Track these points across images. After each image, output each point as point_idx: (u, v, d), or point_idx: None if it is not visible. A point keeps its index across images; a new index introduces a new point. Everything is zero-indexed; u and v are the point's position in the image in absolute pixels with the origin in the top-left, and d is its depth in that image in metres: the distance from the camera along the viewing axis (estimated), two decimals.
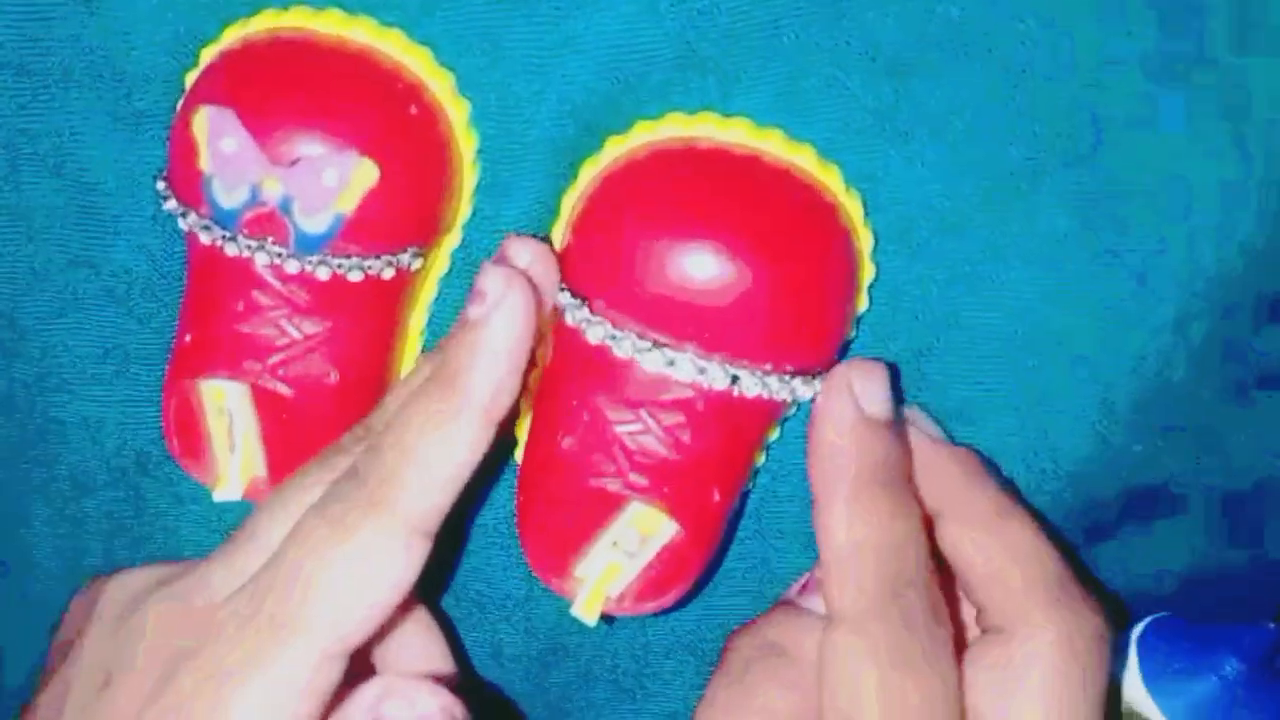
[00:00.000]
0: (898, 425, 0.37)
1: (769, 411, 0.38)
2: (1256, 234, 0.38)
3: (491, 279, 0.34)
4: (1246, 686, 0.37)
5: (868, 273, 0.39)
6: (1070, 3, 0.37)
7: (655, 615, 0.42)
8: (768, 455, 0.42)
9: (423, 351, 0.42)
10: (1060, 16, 0.37)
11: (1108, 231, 0.39)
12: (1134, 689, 0.39)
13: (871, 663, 0.34)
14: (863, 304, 0.40)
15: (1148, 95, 0.37)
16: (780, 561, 0.44)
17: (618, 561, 0.39)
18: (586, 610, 0.39)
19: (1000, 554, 0.36)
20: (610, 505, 0.38)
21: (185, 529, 0.46)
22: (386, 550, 0.33)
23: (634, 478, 0.37)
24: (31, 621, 0.47)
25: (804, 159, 0.37)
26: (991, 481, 0.37)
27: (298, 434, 0.39)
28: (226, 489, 0.40)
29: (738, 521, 0.43)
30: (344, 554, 0.33)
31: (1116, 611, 0.43)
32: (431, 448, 0.33)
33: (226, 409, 0.39)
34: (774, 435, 0.41)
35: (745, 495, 0.43)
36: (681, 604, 0.41)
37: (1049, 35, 0.37)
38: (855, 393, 0.36)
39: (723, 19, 0.38)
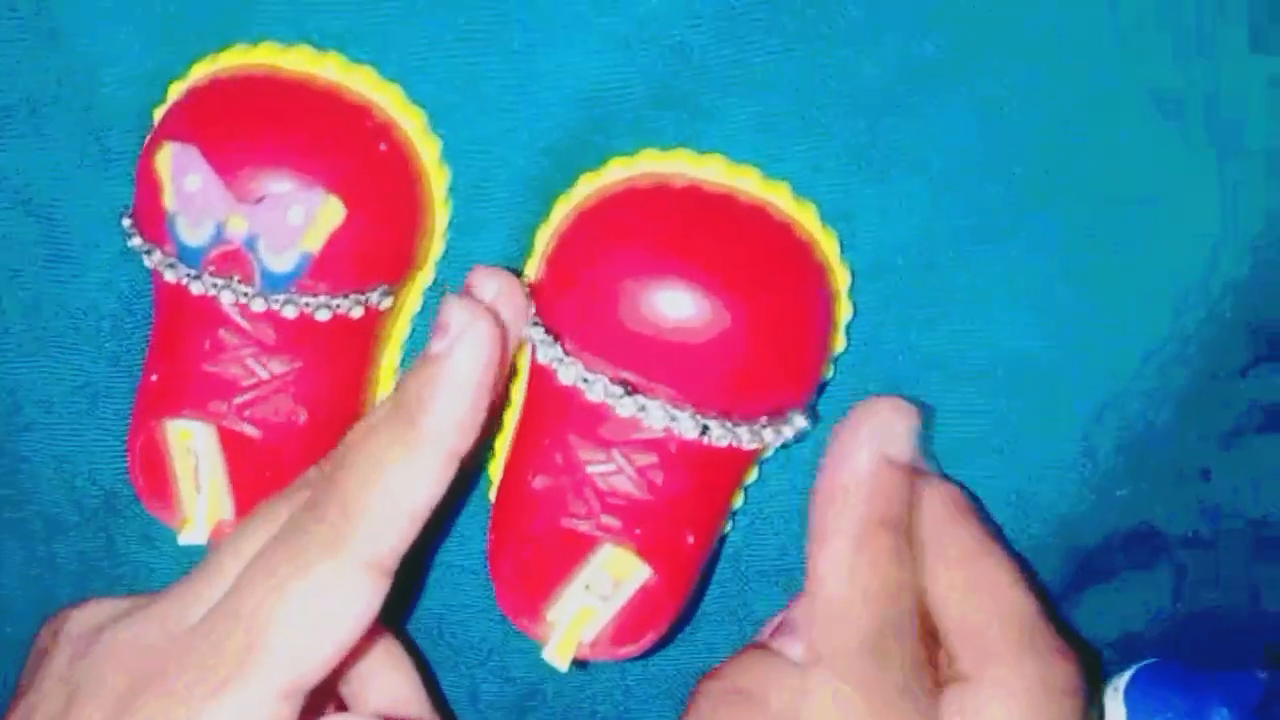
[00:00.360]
0: (911, 465, 0.36)
1: (743, 458, 0.38)
2: (1243, 274, 0.38)
3: (455, 311, 0.34)
4: None
5: (845, 311, 0.39)
6: (1048, 39, 0.37)
7: (633, 660, 0.41)
8: (746, 497, 0.41)
9: None
10: (1038, 53, 0.37)
11: (1090, 271, 0.38)
12: None
13: (854, 707, 0.33)
14: (840, 344, 0.39)
15: (1128, 132, 0.37)
16: (761, 604, 0.43)
17: (591, 605, 0.38)
18: (559, 655, 0.38)
19: (973, 596, 0.35)
20: (582, 547, 0.38)
21: (158, 570, 0.45)
22: (344, 587, 0.32)
23: (605, 519, 0.37)
24: (3, 662, 0.46)
25: (779, 196, 0.37)
26: (974, 519, 0.37)
27: (266, 476, 0.38)
28: (192, 532, 0.39)
29: (715, 565, 0.43)
30: (300, 590, 0.32)
31: (1097, 659, 0.42)
32: (391, 482, 0.33)
33: (193, 450, 0.38)
34: (752, 477, 0.40)
35: (723, 540, 0.42)
36: (657, 649, 0.40)
37: (1027, 72, 0.37)
38: (877, 435, 0.36)
39: (696, 56, 0.37)
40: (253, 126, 0.36)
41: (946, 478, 0.38)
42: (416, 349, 0.41)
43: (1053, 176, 0.38)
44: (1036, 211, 0.38)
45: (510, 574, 0.39)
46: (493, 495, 0.41)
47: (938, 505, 0.36)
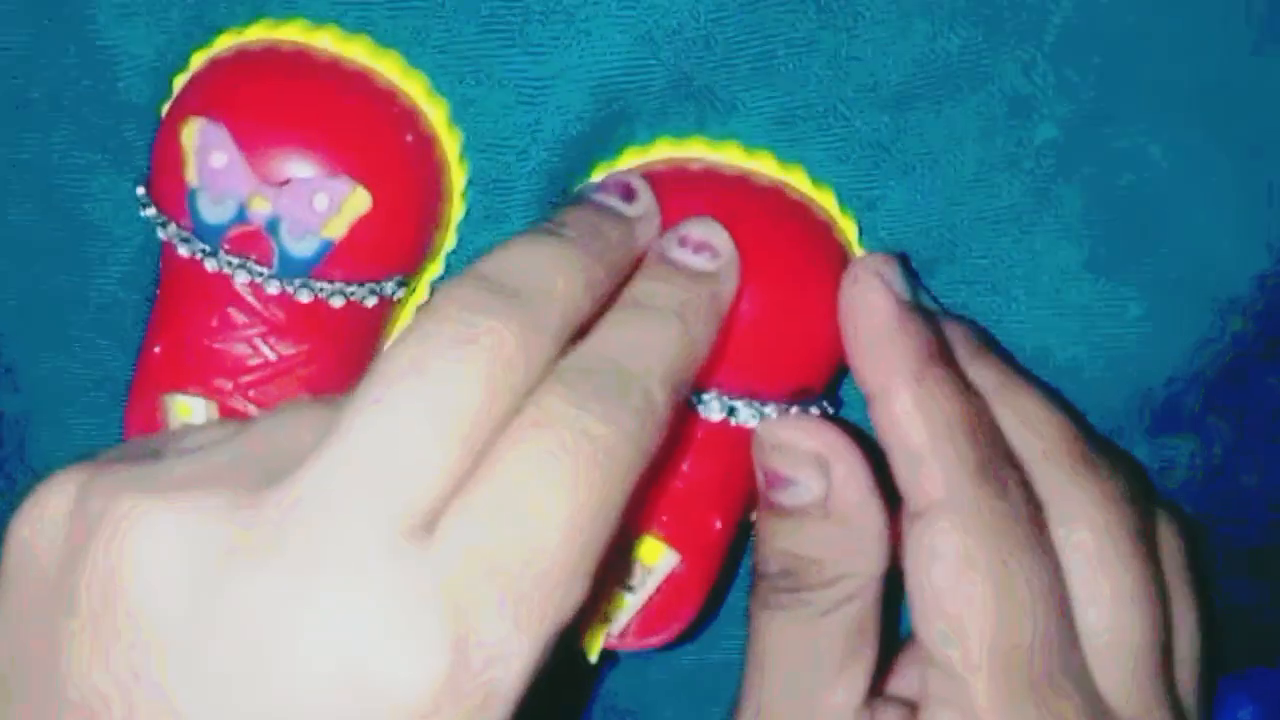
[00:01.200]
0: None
1: None
2: (1268, 265, 0.38)
3: (718, 235, 0.33)
4: None
5: None
6: (1071, 33, 0.37)
7: (656, 652, 0.41)
8: None
9: None
10: (1062, 48, 0.37)
11: (1111, 263, 0.38)
12: None
13: (981, 543, 0.31)
14: None
15: (1154, 126, 0.37)
16: None
17: (619, 595, 0.37)
18: (586, 645, 0.38)
19: (1022, 428, 0.34)
20: None
21: None
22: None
23: None
24: None
25: (795, 179, 0.37)
26: (992, 352, 0.36)
27: None
28: None
29: (742, 553, 0.42)
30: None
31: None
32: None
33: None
34: None
35: (751, 526, 0.42)
36: (684, 639, 0.40)
37: (1050, 66, 0.37)
38: (885, 280, 0.35)
39: (718, 49, 0.38)
40: (281, 106, 0.36)
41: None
42: None
43: (1076, 170, 0.38)
44: (1058, 205, 0.38)
45: None
46: None
47: (959, 342, 0.35)
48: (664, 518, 0.36)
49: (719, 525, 0.37)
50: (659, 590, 0.37)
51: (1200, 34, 0.36)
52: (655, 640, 0.38)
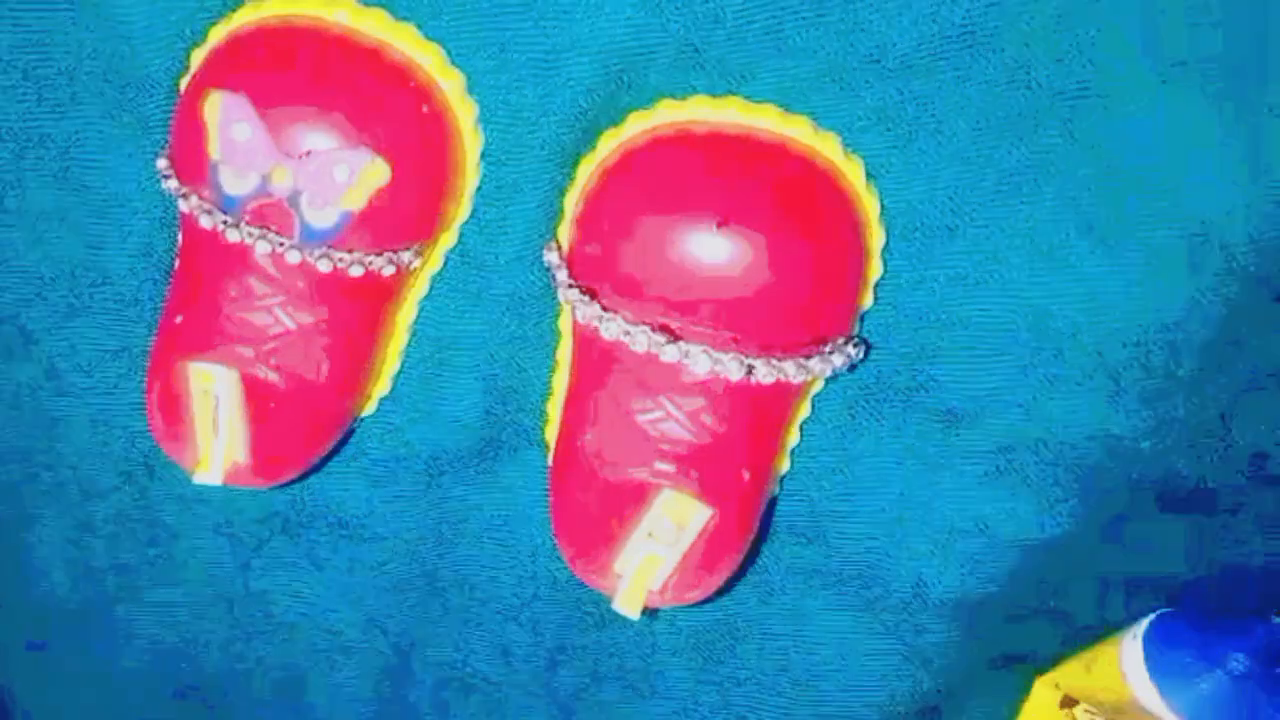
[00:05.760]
0: None
1: (791, 392, 0.38)
2: (1264, 230, 0.39)
3: None
4: (1254, 680, 0.37)
5: (877, 238, 0.39)
6: (1074, 5, 0.37)
7: (658, 615, 0.42)
8: (803, 434, 0.42)
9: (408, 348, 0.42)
10: (1065, 18, 0.38)
11: (1111, 230, 0.39)
12: (1141, 684, 0.39)
13: None
14: (877, 270, 0.39)
15: (1154, 95, 0.38)
16: (785, 558, 0.44)
17: (656, 553, 0.38)
18: (627, 604, 0.38)
19: None
20: (640, 495, 0.38)
21: (191, 532, 0.46)
22: None
23: (660, 465, 0.37)
24: (36, 620, 0.47)
25: (799, 130, 0.37)
26: None
27: (283, 422, 0.39)
28: (208, 473, 0.39)
29: (774, 506, 0.43)
30: None
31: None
32: None
33: (213, 392, 0.38)
34: (805, 412, 0.41)
35: (782, 479, 0.42)
36: (722, 592, 0.40)
37: (1054, 37, 0.38)
38: None
39: (728, 21, 0.38)
40: (302, 80, 0.36)
41: (961, 439, 0.37)
42: (430, 308, 0.42)
43: (1076, 139, 0.38)
44: (1060, 173, 0.39)
45: (574, 532, 0.39)
46: (550, 460, 0.41)
47: None
48: (693, 474, 0.37)
49: (748, 476, 0.38)
50: (696, 545, 0.38)
51: (1200, 5, 0.37)
52: (696, 594, 0.39)
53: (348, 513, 0.46)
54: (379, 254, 0.38)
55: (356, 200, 0.37)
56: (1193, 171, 0.38)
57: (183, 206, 0.38)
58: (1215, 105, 0.38)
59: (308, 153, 0.36)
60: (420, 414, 0.44)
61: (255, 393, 0.39)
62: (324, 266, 0.37)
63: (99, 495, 0.45)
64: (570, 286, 0.38)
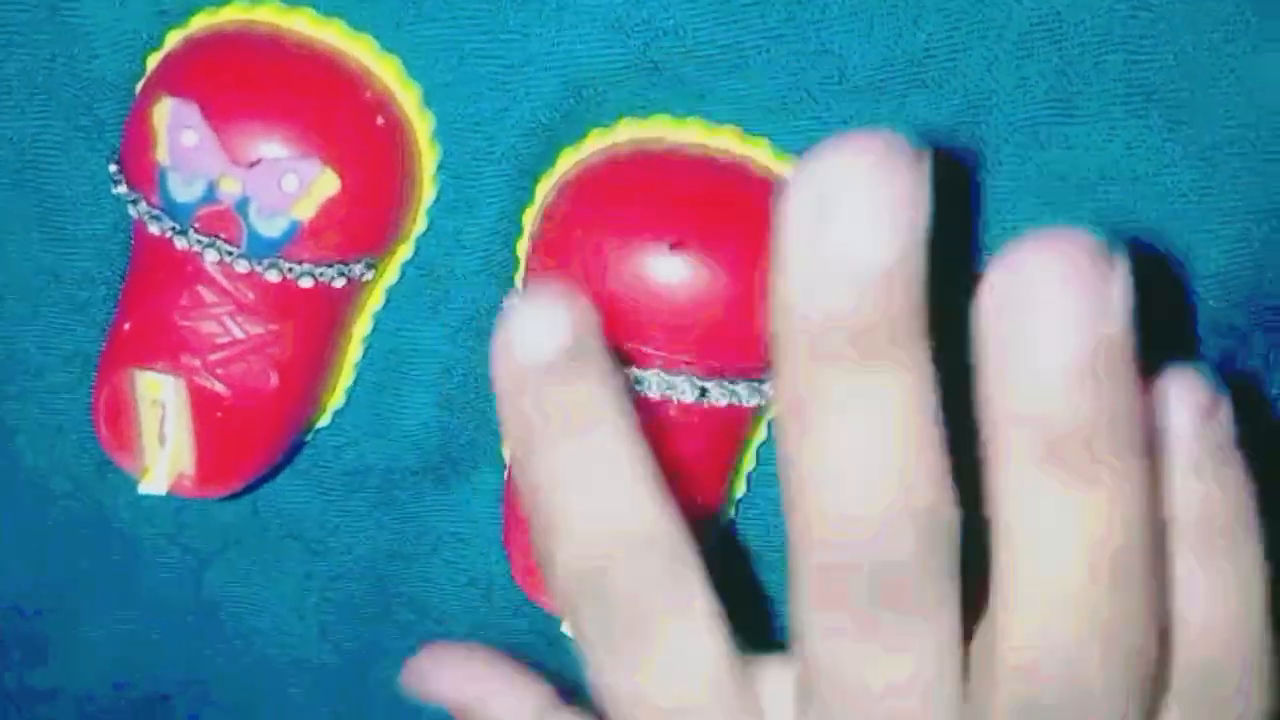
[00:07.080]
0: None
1: (745, 415, 0.38)
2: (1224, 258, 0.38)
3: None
4: None
5: None
6: (1036, 32, 0.37)
7: None
8: (758, 459, 0.41)
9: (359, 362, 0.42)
10: (1026, 45, 0.37)
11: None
12: None
13: None
14: None
15: (1116, 127, 0.38)
16: (754, 581, 0.43)
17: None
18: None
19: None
20: None
21: (147, 539, 0.46)
22: None
23: None
24: None
25: (758, 152, 0.37)
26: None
27: (230, 434, 0.38)
28: (152, 483, 0.39)
29: (732, 529, 0.43)
30: None
31: None
32: None
33: (160, 401, 0.38)
34: (761, 435, 0.40)
35: (738, 503, 0.42)
36: None
37: (1015, 64, 0.37)
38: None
39: (688, 38, 0.38)
40: (253, 88, 0.36)
41: None
42: (386, 321, 0.42)
43: (1039, 169, 0.38)
44: (1021, 203, 0.38)
45: (527, 552, 0.39)
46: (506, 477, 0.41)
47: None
48: None
49: (700, 502, 0.37)
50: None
51: (1163, 32, 0.37)
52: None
53: (302, 526, 0.45)
54: (329, 265, 0.38)
55: (306, 210, 0.37)
56: (1158, 202, 0.38)
57: (132, 212, 0.38)
58: (1175, 135, 0.37)
59: (257, 161, 0.36)
60: (375, 428, 0.44)
61: (202, 403, 0.38)
62: (273, 276, 0.37)
63: (50, 501, 0.45)
64: None
